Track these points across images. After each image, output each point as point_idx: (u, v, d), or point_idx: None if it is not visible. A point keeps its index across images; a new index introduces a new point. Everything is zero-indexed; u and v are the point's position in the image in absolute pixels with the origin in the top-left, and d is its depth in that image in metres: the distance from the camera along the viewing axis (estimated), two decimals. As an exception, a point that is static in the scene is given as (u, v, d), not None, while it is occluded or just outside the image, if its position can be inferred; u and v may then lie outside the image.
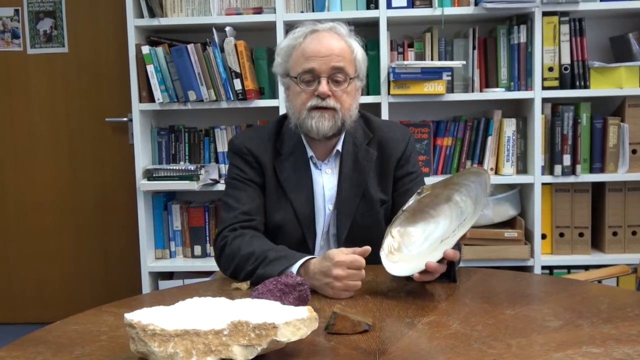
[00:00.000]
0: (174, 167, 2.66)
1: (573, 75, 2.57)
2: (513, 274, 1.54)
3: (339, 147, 1.63)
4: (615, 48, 2.73)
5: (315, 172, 1.63)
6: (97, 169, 3.19)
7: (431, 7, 2.56)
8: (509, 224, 2.68)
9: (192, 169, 2.63)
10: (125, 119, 3.06)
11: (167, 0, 2.62)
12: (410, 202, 1.42)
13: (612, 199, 2.64)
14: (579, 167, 2.59)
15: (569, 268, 2.64)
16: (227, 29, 2.58)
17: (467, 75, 2.64)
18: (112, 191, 3.19)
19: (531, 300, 1.32)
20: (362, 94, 2.62)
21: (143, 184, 2.65)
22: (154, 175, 2.66)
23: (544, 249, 2.65)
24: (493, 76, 2.64)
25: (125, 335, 1.02)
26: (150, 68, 2.59)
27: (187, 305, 1.04)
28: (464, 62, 2.59)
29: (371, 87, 2.65)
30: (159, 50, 2.60)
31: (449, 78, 2.59)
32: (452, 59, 2.65)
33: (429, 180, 2.55)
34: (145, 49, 2.59)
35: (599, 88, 2.57)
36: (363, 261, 1.33)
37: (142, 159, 2.70)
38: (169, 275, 2.86)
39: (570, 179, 2.60)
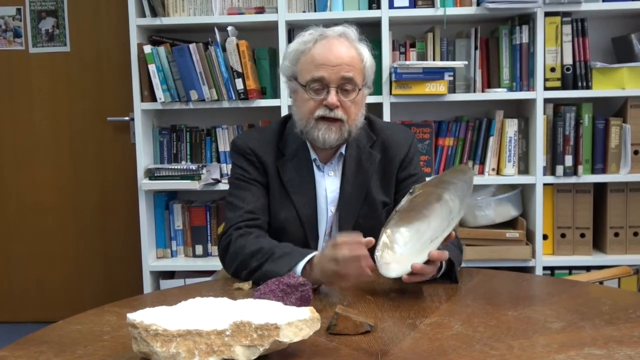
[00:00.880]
0: (176, 167, 2.66)
1: (575, 75, 2.57)
2: (515, 275, 1.54)
3: (342, 150, 1.63)
4: (618, 48, 2.73)
5: (318, 174, 1.63)
6: (98, 168, 3.20)
7: (433, 7, 2.55)
8: (510, 224, 2.67)
9: (194, 168, 2.63)
10: (127, 118, 3.06)
11: (169, -1, 2.63)
12: (403, 202, 1.42)
13: (614, 200, 2.64)
14: (580, 168, 2.58)
15: (571, 269, 2.64)
16: (229, 28, 2.58)
17: (469, 75, 2.64)
18: (114, 190, 3.19)
19: (533, 302, 1.32)
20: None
21: (144, 184, 2.65)
22: (156, 174, 2.66)
23: (546, 249, 2.65)
24: (495, 76, 2.64)
25: (127, 335, 1.02)
26: (152, 67, 2.59)
27: (190, 306, 1.05)
28: (466, 62, 2.59)
29: (373, 87, 2.64)
30: (161, 49, 2.60)
31: (451, 78, 2.59)
32: (454, 59, 2.64)
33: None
34: (147, 49, 2.59)
35: (601, 89, 2.56)
36: (365, 239, 1.32)
37: (144, 158, 2.70)
38: (170, 275, 2.87)
39: (572, 180, 2.60)
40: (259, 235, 1.54)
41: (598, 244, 2.70)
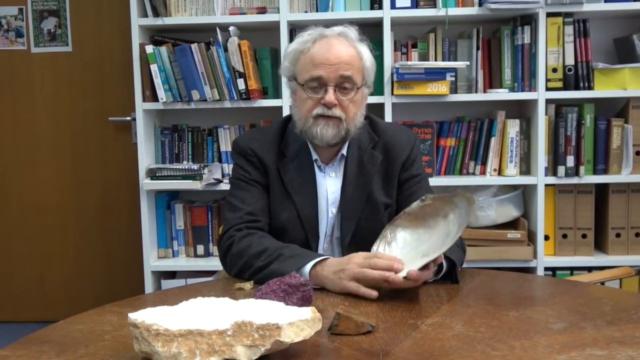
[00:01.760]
0: (177, 167, 2.66)
1: (577, 76, 2.57)
2: (516, 275, 1.54)
3: (344, 151, 1.63)
4: (620, 49, 2.72)
5: (319, 175, 1.63)
6: (100, 168, 3.20)
7: (435, 7, 2.55)
8: (511, 224, 2.67)
9: (195, 168, 2.63)
10: (128, 118, 3.06)
11: (171, -1, 2.63)
12: (413, 206, 1.42)
13: (616, 201, 2.63)
14: (582, 169, 2.58)
15: (572, 269, 2.64)
16: (231, 28, 2.59)
17: (470, 75, 2.64)
18: (115, 190, 3.19)
19: (535, 302, 1.32)
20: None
21: (146, 183, 2.65)
22: (157, 174, 2.66)
23: (547, 250, 2.65)
24: (497, 77, 2.64)
25: (128, 334, 1.02)
26: (154, 67, 2.59)
27: (191, 305, 1.04)
28: (468, 63, 2.59)
29: (375, 87, 2.62)
30: (163, 49, 2.60)
31: (453, 79, 2.59)
32: (455, 60, 2.64)
33: (432, 181, 2.55)
34: (149, 49, 2.59)
35: (603, 89, 2.56)
36: (397, 266, 1.32)
37: (145, 158, 2.70)
38: (172, 275, 2.87)
39: (574, 180, 2.60)
40: (262, 236, 1.54)
41: (599, 245, 2.70)
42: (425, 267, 1.31)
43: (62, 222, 3.23)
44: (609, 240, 2.64)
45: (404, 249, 1.42)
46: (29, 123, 3.19)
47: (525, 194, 2.71)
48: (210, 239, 2.78)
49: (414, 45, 2.65)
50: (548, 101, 2.58)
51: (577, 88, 2.57)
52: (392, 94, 2.57)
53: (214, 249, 2.78)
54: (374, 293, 1.32)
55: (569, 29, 2.55)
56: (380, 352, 1.05)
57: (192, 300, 1.06)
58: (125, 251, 3.19)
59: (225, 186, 2.68)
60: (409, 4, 2.56)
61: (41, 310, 3.26)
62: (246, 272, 1.47)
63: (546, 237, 2.64)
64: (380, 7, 2.56)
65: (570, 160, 2.58)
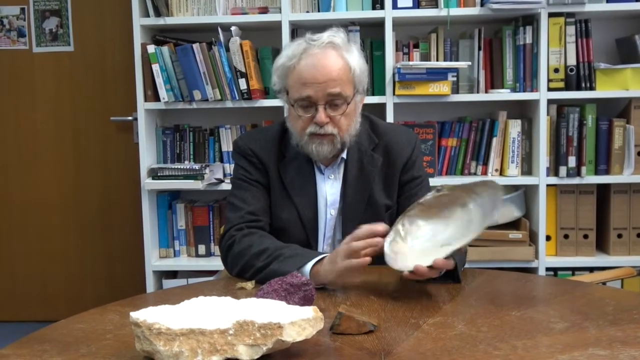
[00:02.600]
0: (179, 167, 2.66)
1: (579, 76, 2.57)
2: (518, 275, 1.54)
3: (344, 154, 1.62)
4: (621, 49, 2.72)
5: (318, 177, 1.63)
6: (101, 167, 3.20)
7: (437, 7, 2.55)
8: (513, 225, 2.67)
9: (197, 168, 2.64)
10: (130, 118, 3.07)
11: (173, -1, 2.63)
12: (429, 196, 1.39)
13: (617, 201, 2.63)
14: (584, 169, 2.58)
15: (574, 270, 2.64)
16: (233, 28, 2.59)
17: (472, 76, 2.63)
18: (117, 190, 3.19)
19: (536, 302, 1.32)
20: (367, 95, 2.63)
21: (148, 183, 2.65)
22: (159, 174, 2.66)
23: (549, 250, 2.64)
24: (498, 77, 2.64)
25: (130, 334, 1.02)
26: (155, 67, 2.60)
27: (193, 305, 1.05)
28: (470, 63, 2.59)
29: (376, 87, 2.65)
30: (165, 49, 2.60)
31: (454, 79, 2.59)
32: (457, 60, 2.64)
33: (434, 182, 2.55)
34: (151, 48, 2.59)
35: (605, 89, 2.56)
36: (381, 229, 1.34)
37: (147, 158, 2.70)
38: (173, 274, 2.87)
39: (575, 181, 2.59)
40: (263, 235, 1.54)
41: (601, 245, 2.69)
42: (450, 256, 1.31)
43: (64, 222, 3.23)
44: (611, 241, 2.64)
45: (419, 241, 1.40)
46: (31, 123, 3.19)
47: (526, 194, 2.71)
48: (212, 238, 2.78)
49: (416, 45, 2.65)
50: (550, 101, 2.58)
51: (578, 88, 2.57)
52: (394, 94, 2.57)
53: (215, 248, 2.79)
54: (366, 259, 1.32)
55: (571, 29, 2.55)
56: (382, 351, 1.05)
57: (193, 300, 1.06)
58: (126, 251, 3.19)
59: (226, 186, 2.68)
60: (410, 4, 2.56)
61: (43, 309, 3.27)
62: (247, 271, 1.47)
63: (548, 238, 2.64)
64: (382, 7, 2.56)
65: (572, 161, 2.58)
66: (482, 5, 2.56)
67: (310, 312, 1.01)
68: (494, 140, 2.64)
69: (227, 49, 2.58)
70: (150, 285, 2.71)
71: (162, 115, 2.87)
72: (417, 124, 2.70)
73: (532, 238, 2.64)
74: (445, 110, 2.80)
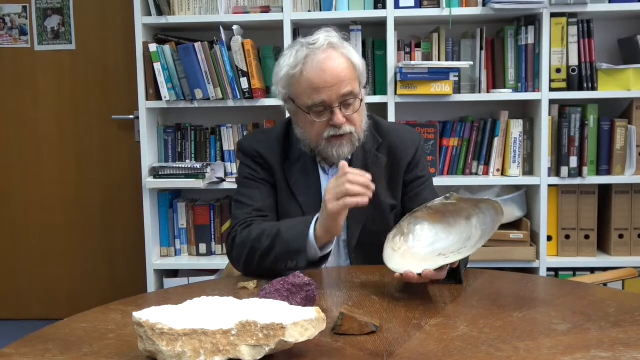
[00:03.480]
0: (180, 165, 2.66)
1: (581, 76, 2.56)
2: (520, 276, 1.54)
3: (348, 154, 1.63)
4: (624, 50, 2.72)
5: (323, 177, 1.63)
6: (103, 166, 3.20)
7: (439, 7, 2.55)
8: (514, 225, 2.67)
9: (198, 167, 2.64)
10: (131, 116, 3.07)
11: (175, -2, 2.63)
12: (436, 201, 1.40)
13: (619, 201, 2.63)
14: (585, 169, 2.58)
15: (575, 270, 2.64)
16: (235, 27, 2.59)
17: (474, 75, 2.63)
18: (118, 189, 3.19)
19: (538, 303, 1.32)
20: (368, 95, 2.64)
21: (149, 182, 2.65)
22: (160, 173, 2.66)
23: (550, 250, 2.64)
24: (500, 77, 2.64)
25: (133, 333, 1.02)
26: (157, 66, 2.59)
27: (195, 305, 1.04)
28: (471, 63, 2.59)
29: (378, 87, 2.65)
30: (167, 48, 2.60)
31: (456, 78, 2.59)
32: (459, 60, 2.64)
33: (435, 181, 2.55)
34: (153, 47, 2.59)
35: (607, 90, 2.56)
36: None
37: (148, 156, 2.70)
38: (174, 273, 2.87)
39: (577, 181, 2.59)
40: (261, 222, 1.55)
41: (602, 246, 2.69)
42: (440, 268, 1.31)
43: (65, 220, 3.24)
44: (612, 241, 2.64)
45: (420, 243, 1.40)
46: (33, 121, 3.20)
47: (528, 194, 2.71)
48: (213, 237, 2.78)
49: (418, 45, 2.65)
50: (551, 102, 2.58)
51: (580, 89, 2.57)
52: (396, 93, 2.57)
53: (216, 247, 2.79)
54: (361, 200, 1.37)
55: (573, 30, 2.55)
56: (384, 352, 1.05)
57: (196, 300, 1.06)
58: (127, 249, 3.19)
59: (228, 185, 2.68)
60: (412, 4, 2.56)
61: (45, 308, 3.27)
62: (253, 257, 1.48)
63: (549, 238, 2.64)
64: (384, 7, 2.56)
65: (574, 161, 2.58)
66: (484, 5, 2.55)
67: (312, 312, 1.01)
68: (496, 140, 2.64)
69: (229, 48, 2.58)
70: (151, 284, 2.72)
71: (164, 114, 2.87)
72: (418, 123, 2.69)
73: (534, 238, 2.64)
74: (447, 110, 2.80)
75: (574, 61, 2.56)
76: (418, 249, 1.39)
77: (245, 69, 2.57)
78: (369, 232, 1.61)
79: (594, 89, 2.56)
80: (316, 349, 1.05)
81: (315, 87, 1.50)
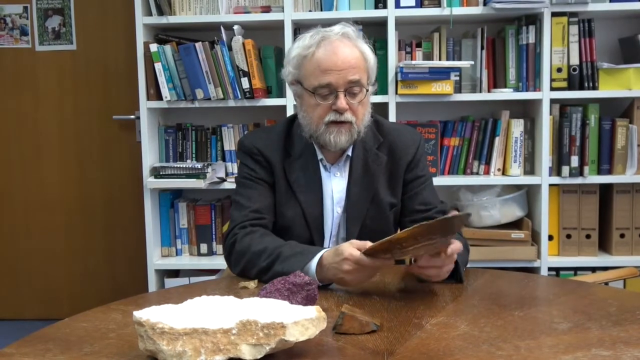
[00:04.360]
0: (181, 165, 2.66)
1: (582, 76, 2.56)
2: (521, 275, 1.54)
3: (349, 152, 1.63)
4: (625, 49, 2.72)
5: (324, 175, 1.63)
6: (104, 166, 3.20)
7: (439, 6, 2.55)
8: (515, 224, 2.67)
9: (199, 167, 2.64)
10: (132, 116, 3.07)
11: (176, -2, 2.63)
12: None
13: (620, 201, 2.63)
14: (586, 169, 2.58)
15: (576, 270, 2.63)
16: (235, 27, 2.59)
17: (475, 75, 2.63)
18: (119, 189, 3.20)
19: (539, 302, 1.32)
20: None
21: (150, 182, 2.65)
22: (161, 173, 2.66)
23: (551, 250, 2.64)
24: (501, 76, 2.64)
25: (133, 333, 1.02)
26: (158, 66, 2.60)
27: (196, 304, 1.05)
28: (472, 62, 2.58)
29: (379, 86, 2.64)
30: (167, 48, 2.60)
31: (457, 78, 2.58)
32: (460, 59, 2.64)
33: (436, 180, 2.55)
34: (154, 47, 2.59)
35: (608, 89, 2.56)
36: (370, 260, 1.31)
37: (149, 156, 2.70)
38: (175, 273, 2.87)
39: (578, 180, 2.59)
40: (264, 233, 1.54)
41: (604, 245, 2.69)
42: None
43: (66, 220, 3.24)
44: (613, 241, 2.63)
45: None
46: (34, 121, 3.20)
47: (529, 194, 2.71)
48: (214, 237, 2.78)
49: (419, 45, 2.65)
50: (552, 101, 2.58)
51: (581, 88, 2.56)
52: (396, 93, 2.57)
53: (217, 247, 2.79)
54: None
55: (574, 29, 2.55)
56: (385, 351, 1.05)
57: (196, 299, 1.06)
58: (128, 249, 3.19)
59: (228, 185, 2.68)
60: (413, 4, 2.56)
61: (45, 308, 3.27)
62: (250, 271, 1.48)
63: (550, 237, 2.64)
64: (385, 7, 2.56)
65: (575, 161, 2.58)
66: (484, 4, 2.55)
67: (313, 311, 1.01)
68: (497, 140, 2.64)
69: (230, 48, 2.58)
70: (152, 284, 2.72)
71: (165, 114, 2.87)
72: (419, 123, 2.69)
73: (535, 238, 2.64)
74: (447, 110, 2.80)
75: (574, 60, 2.56)
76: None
77: (246, 69, 2.57)
78: (368, 230, 1.61)
79: (594, 88, 2.56)
80: (317, 348, 1.05)
81: (324, 68, 1.51)
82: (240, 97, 2.60)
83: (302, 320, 0.99)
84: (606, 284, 2.34)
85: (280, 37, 2.60)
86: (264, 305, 1.04)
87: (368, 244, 1.33)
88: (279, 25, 2.60)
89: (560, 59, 2.56)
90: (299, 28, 2.68)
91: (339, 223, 1.64)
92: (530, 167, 2.68)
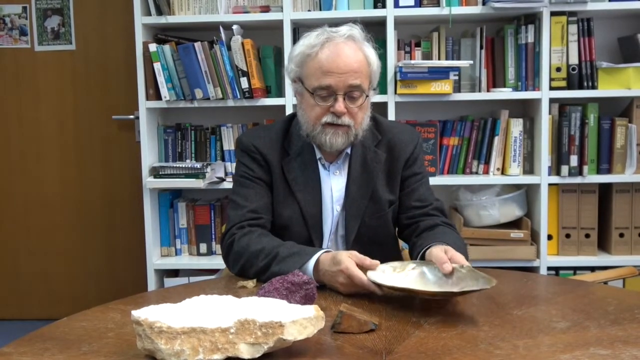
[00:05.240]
0: (180, 165, 2.66)
1: (581, 75, 2.56)
2: (520, 274, 1.54)
3: (348, 150, 1.63)
4: (624, 48, 2.72)
5: (323, 173, 1.63)
6: (103, 166, 3.20)
7: (439, 6, 2.55)
8: (515, 224, 2.67)
9: (198, 167, 2.64)
10: (132, 116, 3.07)
11: (175, -2, 2.63)
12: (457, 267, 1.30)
13: (619, 200, 2.63)
14: (586, 168, 2.58)
15: (575, 269, 2.63)
16: (234, 27, 2.59)
17: (474, 75, 2.63)
18: (119, 188, 3.20)
19: (538, 301, 1.32)
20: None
21: (149, 182, 2.65)
22: (160, 173, 2.66)
23: (550, 249, 2.64)
24: (500, 76, 2.64)
25: (132, 332, 1.02)
26: (157, 66, 2.60)
27: (194, 303, 1.05)
28: (471, 62, 2.58)
29: (378, 86, 2.64)
30: (166, 48, 2.60)
31: (456, 78, 2.58)
32: (459, 59, 2.64)
33: (435, 180, 2.55)
34: (153, 47, 2.59)
35: (607, 89, 2.56)
36: (365, 281, 1.30)
37: (149, 156, 2.70)
38: (175, 273, 2.87)
39: (577, 180, 2.59)
40: (261, 234, 1.54)
41: (603, 245, 2.69)
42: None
43: (66, 220, 3.24)
44: (613, 240, 2.63)
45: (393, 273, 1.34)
46: (33, 121, 3.20)
47: (528, 193, 2.71)
48: (213, 237, 2.78)
49: (418, 44, 2.65)
50: (552, 100, 2.58)
51: (580, 87, 2.56)
52: (396, 92, 2.57)
53: (216, 247, 2.79)
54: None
55: (573, 28, 2.55)
56: (384, 350, 1.05)
57: (195, 298, 1.06)
58: (128, 249, 3.19)
59: (228, 185, 2.68)
60: (412, 3, 2.56)
61: (44, 307, 3.27)
62: (248, 271, 1.48)
63: (549, 237, 2.64)
64: (384, 6, 2.56)
65: (574, 160, 2.58)
66: (484, 4, 2.55)
67: (311, 310, 1.01)
68: (496, 139, 2.64)
69: (229, 48, 2.58)
70: (152, 283, 2.72)
71: (164, 114, 2.87)
72: (418, 122, 2.69)
73: (534, 237, 2.64)
74: (447, 109, 2.80)
75: (574, 60, 2.56)
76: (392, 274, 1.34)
77: (245, 69, 2.57)
78: (367, 227, 1.62)
79: (594, 87, 2.56)
80: (315, 347, 1.05)
81: (325, 70, 1.51)
82: (239, 97, 2.60)
83: (300, 320, 0.99)
84: (605, 283, 2.34)
85: (279, 37, 2.60)
86: (263, 305, 1.04)
87: (367, 260, 1.33)
88: (278, 25, 2.60)
89: (559, 59, 2.56)
90: (298, 28, 2.68)
91: (337, 221, 1.64)
92: (529, 166, 2.68)
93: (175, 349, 0.95)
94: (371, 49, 1.58)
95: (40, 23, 3.13)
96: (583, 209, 2.64)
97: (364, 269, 1.33)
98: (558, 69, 2.56)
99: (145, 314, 0.97)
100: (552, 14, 2.52)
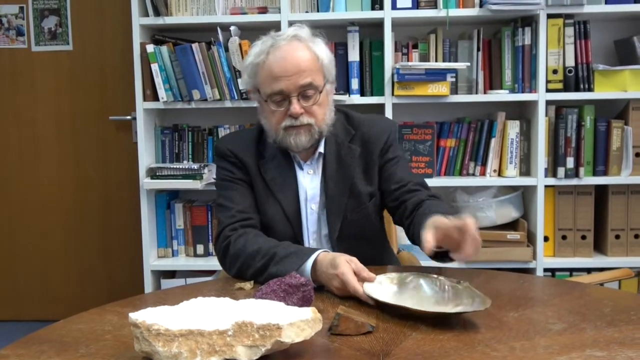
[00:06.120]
0: (178, 166, 2.66)
1: (577, 77, 2.57)
2: (516, 275, 1.54)
3: (321, 148, 1.63)
4: (620, 51, 2.73)
5: (299, 172, 1.65)
6: (100, 167, 3.20)
7: (436, 8, 2.56)
8: (511, 225, 2.68)
9: (196, 168, 2.64)
10: (129, 117, 3.07)
11: (172, -1, 2.63)
12: (447, 280, 1.30)
13: (615, 202, 2.64)
14: (582, 170, 2.58)
15: (571, 271, 2.64)
16: (232, 28, 2.59)
17: (471, 76, 2.64)
18: (116, 189, 3.19)
19: (534, 303, 1.32)
20: (365, 95, 2.64)
21: (146, 183, 2.65)
22: (157, 173, 2.66)
23: (546, 251, 2.65)
24: (497, 78, 2.64)
25: (129, 334, 1.02)
26: (154, 67, 2.60)
27: (191, 305, 1.05)
28: (468, 64, 2.59)
29: (375, 87, 2.65)
30: (164, 49, 2.60)
31: (453, 79, 2.59)
32: (456, 61, 2.64)
33: (433, 182, 2.55)
34: (150, 48, 2.59)
35: (603, 91, 2.57)
36: (359, 291, 1.29)
37: (146, 157, 2.70)
38: (171, 274, 2.87)
39: (574, 182, 2.60)
40: (257, 234, 1.55)
41: (599, 246, 2.70)
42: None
43: (63, 221, 3.23)
44: (609, 242, 2.64)
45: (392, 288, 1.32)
46: (30, 122, 3.19)
47: (525, 195, 2.71)
48: (210, 238, 2.78)
49: (415, 46, 2.66)
50: (548, 102, 2.58)
51: (577, 89, 2.57)
52: (393, 94, 2.58)
53: (213, 248, 2.78)
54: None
55: (570, 31, 2.55)
56: (381, 352, 1.05)
57: (192, 300, 1.06)
58: (125, 250, 3.19)
59: (225, 186, 2.67)
60: (409, 5, 2.56)
61: (41, 309, 3.27)
62: (246, 272, 1.48)
63: (546, 238, 2.64)
64: (381, 8, 2.56)
65: (570, 162, 2.59)
66: (481, 6, 2.56)
67: (308, 313, 1.02)
68: (493, 141, 2.64)
69: (226, 49, 2.58)
70: (149, 285, 2.71)
71: (161, 114, 2.87)
72: (415, 124, 2.70)
73: (530, 239, 2.64)
74: (444, 111, 2.80)
75: (570, 62, 2.57)
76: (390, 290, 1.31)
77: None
78: (349, 223, 1.62)
79: (590, 89, 2.57)
80: (312, 349, 1.05)
81: (275, 75, 1.52)
82: (236, 97, 2.60)
83: (297, 322, 0.99)
84: (601, 284, 2.35)
85: (276, 38, 2.60)
86: (260, 307, 1.04)
87: (366, 271, 1.32)
88: (275, 26, 2.58)
89: (555, 61, 2.56)
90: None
91: (316, 220, 1.64)
92: (526, 168, 2.68)
93: (173, 352, 0.95)
94: (320, 44, 1.58)
95: (37, 23, 3.13)
96: (579, 211, 2.64)
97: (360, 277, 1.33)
98: (554, 71, 2.57)
99: (143, 316, 0.97)
100: (549, 16, 2.53)
